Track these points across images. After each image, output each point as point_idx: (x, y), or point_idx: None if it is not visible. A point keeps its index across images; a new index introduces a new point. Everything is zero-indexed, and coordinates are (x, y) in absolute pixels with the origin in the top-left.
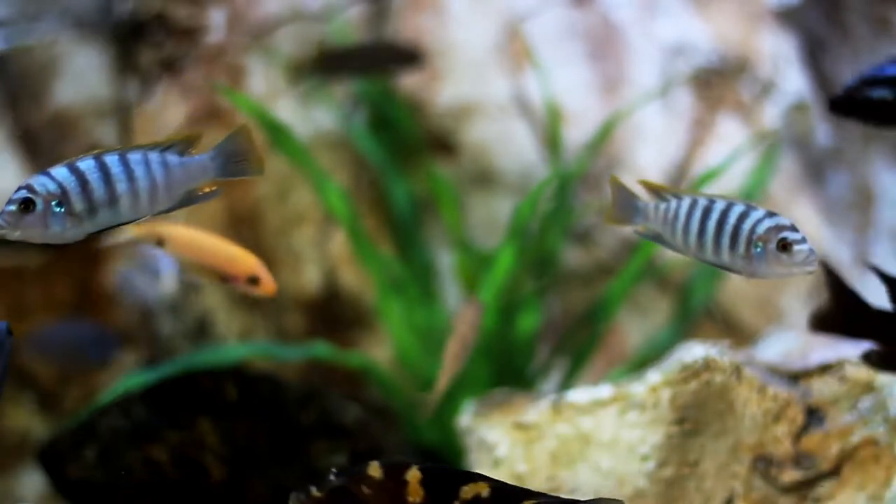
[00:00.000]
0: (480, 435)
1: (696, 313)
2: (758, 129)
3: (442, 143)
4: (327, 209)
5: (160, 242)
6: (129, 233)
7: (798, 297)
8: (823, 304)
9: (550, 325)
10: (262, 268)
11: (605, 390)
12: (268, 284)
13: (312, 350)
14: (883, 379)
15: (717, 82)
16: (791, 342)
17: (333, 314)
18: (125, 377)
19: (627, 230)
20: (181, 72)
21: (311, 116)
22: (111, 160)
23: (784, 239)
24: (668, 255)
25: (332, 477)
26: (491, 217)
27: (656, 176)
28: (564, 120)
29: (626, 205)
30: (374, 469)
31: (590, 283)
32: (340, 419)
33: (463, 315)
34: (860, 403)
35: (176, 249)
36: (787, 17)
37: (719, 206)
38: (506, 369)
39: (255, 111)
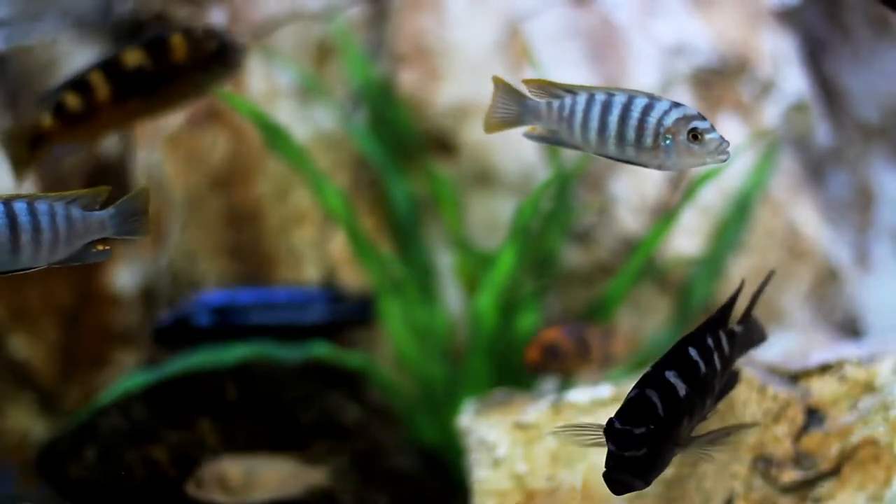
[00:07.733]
0: (480, 435)
1: (695, 313)
2: (758, 128)
3: (442, 143)
4: (326, 210)
5: None
6: None
7: (798, 296)
8: None
9: (550, 325)
10: None
11: (605, 390)
12: None
13: (312, 350)
14: (883, 379)
15: (717, 82)
16: (791, 342)
17: None
18: (125, 377)
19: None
20: None
21: (311, 116)
22: (20, 208)
23: (695, 129)
24: (668, 255)
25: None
26: (491, 217)
27: (657, 176)
28: None
29: (511, 105)
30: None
31: (590, 283)
32: (340, 419)
33: None
34: (860, 403)
35: None
36: (787, 17)
37: (620, 99)
38: (506, 369)
39: (253, 113)
